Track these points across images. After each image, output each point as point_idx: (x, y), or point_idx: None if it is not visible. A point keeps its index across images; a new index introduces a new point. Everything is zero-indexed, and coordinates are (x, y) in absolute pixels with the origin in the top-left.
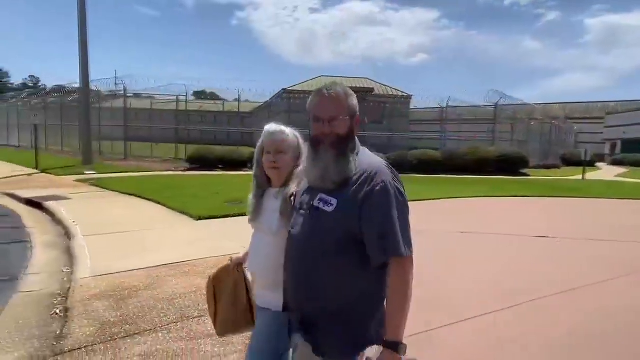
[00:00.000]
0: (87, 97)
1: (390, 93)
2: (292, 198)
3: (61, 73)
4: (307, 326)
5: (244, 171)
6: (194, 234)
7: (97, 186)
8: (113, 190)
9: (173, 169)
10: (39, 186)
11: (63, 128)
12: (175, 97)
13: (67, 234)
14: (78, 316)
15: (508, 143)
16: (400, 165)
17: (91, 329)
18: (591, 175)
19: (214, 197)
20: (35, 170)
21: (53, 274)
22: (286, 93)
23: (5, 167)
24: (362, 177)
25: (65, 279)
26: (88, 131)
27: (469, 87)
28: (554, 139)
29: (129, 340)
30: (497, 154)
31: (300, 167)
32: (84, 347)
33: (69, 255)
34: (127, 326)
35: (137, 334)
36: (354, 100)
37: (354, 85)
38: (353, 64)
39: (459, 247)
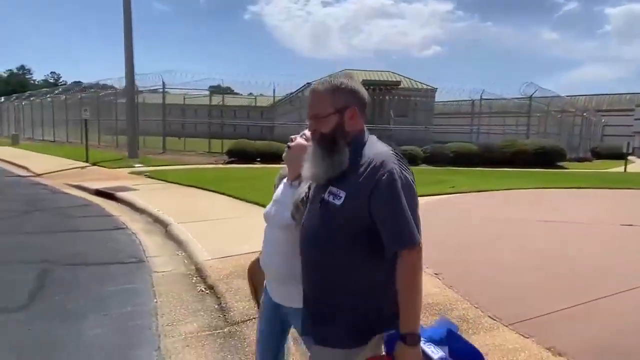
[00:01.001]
0: (132, 93)
1: (415, 86)
2: (307, 191)
3: (81, 69)
4: (315, 318)
5: (283, 164)
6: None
7: (152, 178)
8: (170, 182)
9: (214, 162)
10: (98, 178)
11: (100, 123)
12: (208, 93)
13: (157, 222)
14: (227, 292)
15: (539, 136)
16: (438, 158)
17: (245, 303)
18: (630, 168)
19: (271, 188)
20: (86, 164)
21: (172, 257)
22: (308, 85)
23: (56, 160)
24: (369, 168)
25: (185, 261)
26: (134, 126)
27: (485, 78)
28: (584, 131)
29: None
30: (535, 147)
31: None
32: (252, 319)
33: (174, 241)
34: None
35: None
36: (342, 94)
37: (378, 79)
38: (366, 57)
39: (558, 235)
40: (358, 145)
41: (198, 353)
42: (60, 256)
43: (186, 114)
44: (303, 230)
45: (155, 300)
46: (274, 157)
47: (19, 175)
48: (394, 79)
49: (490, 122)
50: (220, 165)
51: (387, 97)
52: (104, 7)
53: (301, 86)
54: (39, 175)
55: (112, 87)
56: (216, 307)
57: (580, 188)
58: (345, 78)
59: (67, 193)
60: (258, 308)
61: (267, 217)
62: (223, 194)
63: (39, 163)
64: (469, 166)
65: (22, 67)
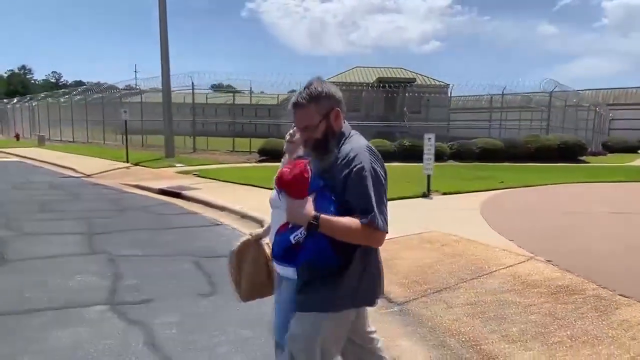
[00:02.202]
0: (169, 94)
1: (428, 82)
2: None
3: (82, 69)
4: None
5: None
6: None
7: (203, 177)
8: (224, 181)
9: (246, 160)
10: (150, 178)
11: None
12: (232, 93)
13: (246, 217)
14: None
15: (552, 130)
16: (465, 154)
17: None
18: None
19: None
20: (127, 164)
21: None
22: None
23: (96, 161)
24: (344, 161)
25: None
26: (171, 126)
27: (484, 72)
28: (596, 126)
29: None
30: (558, 141)
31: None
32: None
33: None
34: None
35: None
36: (323, 101)
37: (391, 76)
38: (364, 53)
39: (634, 225)
40: (340, 141)
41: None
42: (195, 249)
43: (206, 113)
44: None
45: None
46: None
47: (72, 177)
48: (407, 76)
49: (508, 118)
50: (255, 164)
51: (401, 94)
52: (103, 6)
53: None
54: (89, 175)
55: (121, 88)
56: None
57: (621, 182)
58: (319, 84)
59: (133, 193)
60: (239, 291)
61: (274, 202)
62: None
63: (81, 164)
64: (494, 162)
65: (23, 67)
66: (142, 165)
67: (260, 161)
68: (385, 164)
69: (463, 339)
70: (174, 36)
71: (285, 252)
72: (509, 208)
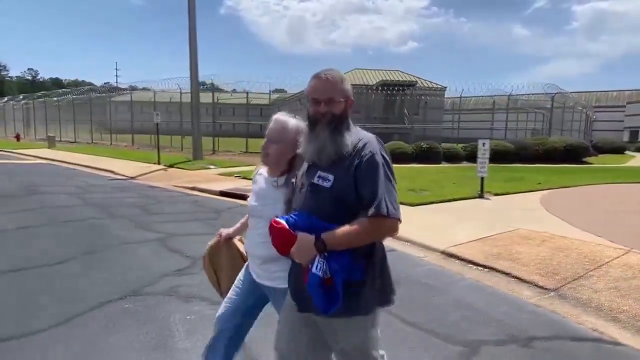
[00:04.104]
0: (197, 98)
1: (425, 85)
2: (293, 181)
3: (57, 66)
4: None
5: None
6: (441, 217)
7: (246, 179)
8: None
9: None
10: (198, 180)
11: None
12: (245, 94)
13: None
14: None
15: (554, 133)
16: (476, 155)
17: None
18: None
19: None
20: (160, 166)
21: (414, 247)
22: None
23: (128, 163)
24: (354, 150)
25: (426, 248)
26: (199, 128)
27: (460, 73)
28: (585, 127)
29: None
30: (563, 144)
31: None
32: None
33: None
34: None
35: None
36: (348, 85)
37: (390, 78)
38: (344, 53)
39: None
40: (349, 131)
41: None
42: None
43: (223, 114)
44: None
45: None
46: None
47: (120, 179)
48: (405, 78)
49: (509, 119)
50: None
51: (400, 97)
52: (82, 1)
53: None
54: (133, 178)
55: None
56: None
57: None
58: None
59: (198, 195)
60: (219, 289)
61: (253, 210)
62: None
63: (116, 166)
64: (504, 163)
65: None
66: (177, 167)
67: None
68: (404, 166)
69: (630, 315)
70: (148, 32)
71: (324, 293)
72: (571, 207)
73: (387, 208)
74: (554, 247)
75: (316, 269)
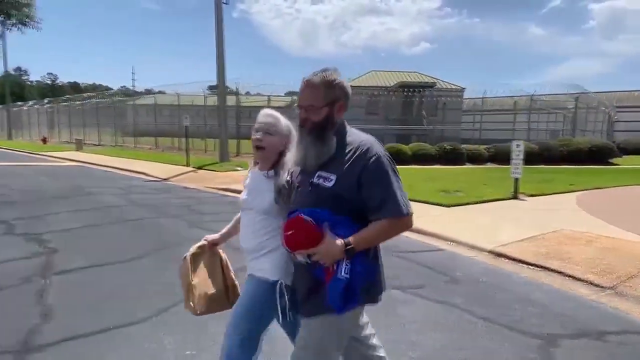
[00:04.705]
0: (224, 101)
1: (444, 86)
2: (288, 178)
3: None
4: (308, 293)
5: None
6: (480, 218)
7: None
8: None
9: None
10: (231, 182)
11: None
12: (267, 97)
13: None
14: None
15: (577, 134)
16: (502, 157)
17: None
18: None
19: (419, 188)
20: (190, 168)
21: (471, 249)
22: None
23: (157, 165)
24: (357, 152)
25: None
26: (226, 131)
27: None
28: (607, 128)
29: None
30: (589, 145)
31: (288, 155)
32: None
33: (424, 234)
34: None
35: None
36: (335, 89)
37: (406, 80)
38: (355, 55)
39: None
40: (342, 133)
41: None
42: None
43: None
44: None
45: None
46: None
47: (155, 181)
48: (423, 80)
49: (531, 120)
50: None
51: (418, 98)
52: (97, 6)
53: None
54: (166, 179)
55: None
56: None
57: None
58: (336, 74)
59: (232, 195)
60: (186, 300)
61: (245, 203)
62: None
63: (148, 168)
64: (528, 164)
65: (18, 69)
66: (206, 169)
67: None
68: (429, 167)
69: None
70: (160, 35)
71: (344, 295)
72: (609, 208)
73: (404, 207)
74: (601, 247)
75: (342, 273)
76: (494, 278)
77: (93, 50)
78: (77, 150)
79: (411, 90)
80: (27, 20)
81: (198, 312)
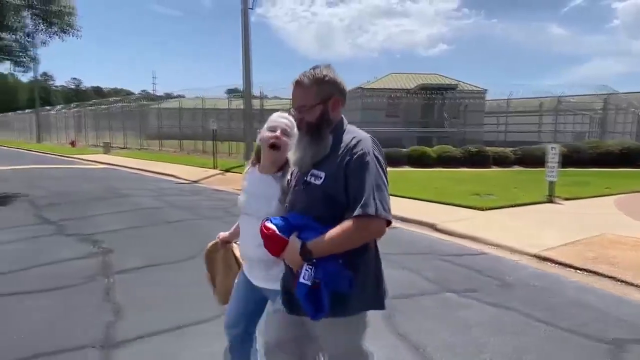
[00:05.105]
0: (250, 103)
1: (465, 88)
2: (288, 180)
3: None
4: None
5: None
6: (518, 221)
7: None
8: None
9: None
10: None
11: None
12: (289, 100)
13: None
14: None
15: (607, 136)
16: (529, 159)
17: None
18: None
19: (450, 191)
20: (217, 170)
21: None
22: (360, 90)
23: (185, 168)
24: (346, 148)
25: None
26: (252, 134)
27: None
28: (635, 129)
29: None
30: (620, 147)
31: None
32: None
33: (464, 237)
34: None
35: None
36: (326, 86)
37: (427, 82)
38: (371, 57)
39: None
40: (339, 131)
41: None
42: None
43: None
44: (287, 211)
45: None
46: None
47: (184, 183)
48: (443, 82)
49: (558, 121)
50: None
51: (440, 100)
52: (114, 10)
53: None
54: (195, 182)
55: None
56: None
57: None
58: (327, 69)
59: None
60: (215, 293)
61: (244, 207)
62: (414, 198)
63: (176, 171)
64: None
65: (44, 74)
66: (233, 172)
67: None
68: (455, 169)
69: None
70: (178, 40)
71: (311, 300)
72: None
73: (376, 207)
74: None
75: (304, 277)
76: (544, 282)
77: (114, 55)
78: (104, 153)
79: (433, 92)
80: (68, 28)
81: (221, 303)
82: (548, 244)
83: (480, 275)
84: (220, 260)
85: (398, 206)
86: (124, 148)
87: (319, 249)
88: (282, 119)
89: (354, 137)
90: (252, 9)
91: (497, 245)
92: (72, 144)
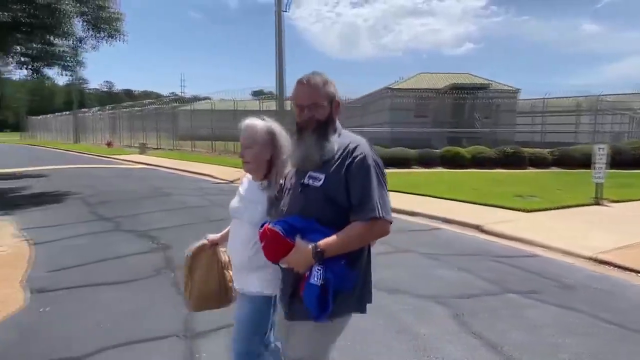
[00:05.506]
0: (282, 105)
1: (497, 87)
2: (282, 182)
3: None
4: (291, 297)
5: (414, 168)
6: (567, 224)
7: None
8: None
9: None
10: None
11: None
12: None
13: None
14: None
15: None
16: (566, 160)
17: None
18: None
19: (490, 192)
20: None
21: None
22: (389, 90)
23: (219, 168)
24: (345, 152)
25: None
26: None
27: (522, 74)
28: None
29: None
30: None
31: (282, 159)
32: None
33: (519, 240)
34: None
35: None
36: (332, 88)
37: (457, 82)
38: (396, 57)
39: None
40: (337, 134)
41: None
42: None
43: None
44: (284, 214)
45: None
46: (400, 163)
47: (222, 183)
48: (474, 81)
49: (594, 122)
50: None
51: (470, 100)
52: (147, 17)
53: (377, 90)
54: (232, 182)
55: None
56: None
57: None
58: (325, 75)
59: None
60: (187, 296)
61: (236, 212)
62: (454, 200)
63: (212, 171)
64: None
65: (80, 77)
66: None
67: None
68: (490, 171)
69: None
70: (205, 43)
71: (319, 302)
72: None
73: (379, 210)
74: None
75: (315, 279)
76: (606, 285)
77: (143, 58)
78: (140, 154)
79: (464, 92)
80: (115, 33)
81: (191, 309)
82: (602, 247)
83: (538, 277)
84: (203, 262)
85: (440, 207)
86: (157, 149)
87: (330, 249)
88: (243, 132)
89: (352, 141)
90: (286, 11)
91: (548, 247)
92: (109, 144)
